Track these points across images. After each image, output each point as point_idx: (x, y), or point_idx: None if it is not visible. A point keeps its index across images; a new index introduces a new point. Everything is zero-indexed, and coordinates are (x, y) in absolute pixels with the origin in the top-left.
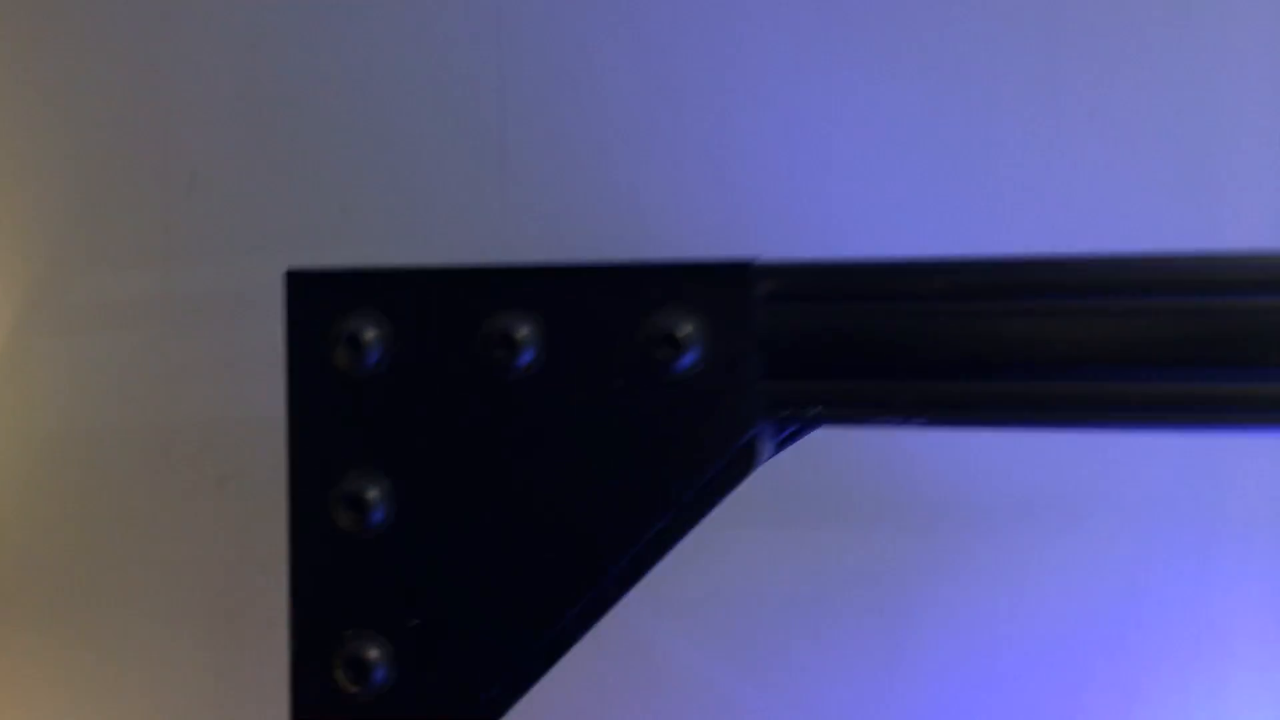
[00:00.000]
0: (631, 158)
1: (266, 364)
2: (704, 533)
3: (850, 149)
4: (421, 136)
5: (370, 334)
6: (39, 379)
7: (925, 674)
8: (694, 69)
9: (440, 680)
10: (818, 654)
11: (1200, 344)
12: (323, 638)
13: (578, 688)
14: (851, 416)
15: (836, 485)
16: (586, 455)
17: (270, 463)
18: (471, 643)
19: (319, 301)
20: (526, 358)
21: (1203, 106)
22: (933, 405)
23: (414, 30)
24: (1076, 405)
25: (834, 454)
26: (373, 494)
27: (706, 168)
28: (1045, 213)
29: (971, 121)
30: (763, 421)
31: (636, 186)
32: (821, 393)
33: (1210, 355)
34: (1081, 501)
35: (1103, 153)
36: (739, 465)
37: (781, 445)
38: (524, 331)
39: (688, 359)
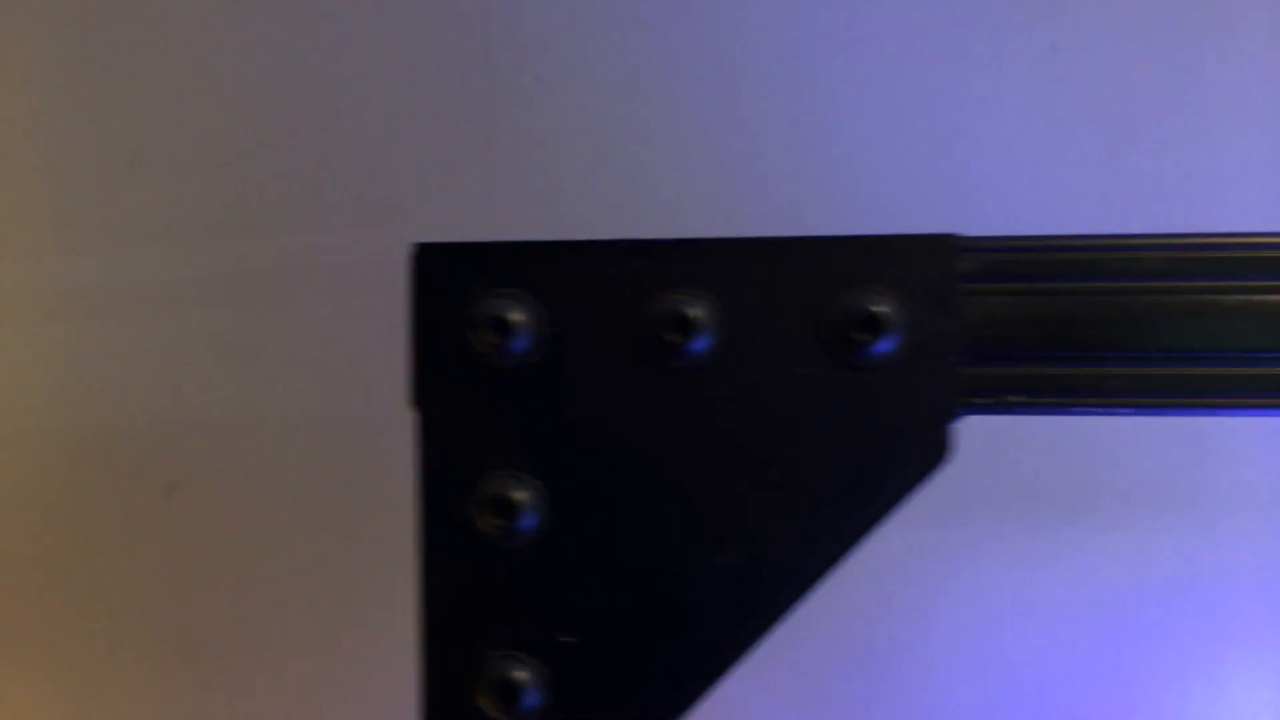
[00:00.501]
0: (623, 141)
1: (219, 359)
2: None
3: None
4: (396, 115)
5: (517, 316)
6: None
7: (934, 666)
8: (689, 50)
9: (599, 703)
10: (822, 649)
11: None
12: (462, 659)
13: None
14: (1057, 403)
15: None
16: (767, 451)
17: (224, 469)
18: (634, 662)
19: (456, 279)
20: (700, 342)
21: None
22: (1146, 390)
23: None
24: None
25: None
26: (521, 496)
27: (703, 150)
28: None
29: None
30: (963, 410)
31: (629, 169)
32: (1026, 378)
33: None
34: (1085, 490)
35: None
36: (933, 458)
37: None
38: (698, 312)
39: (887, 342)
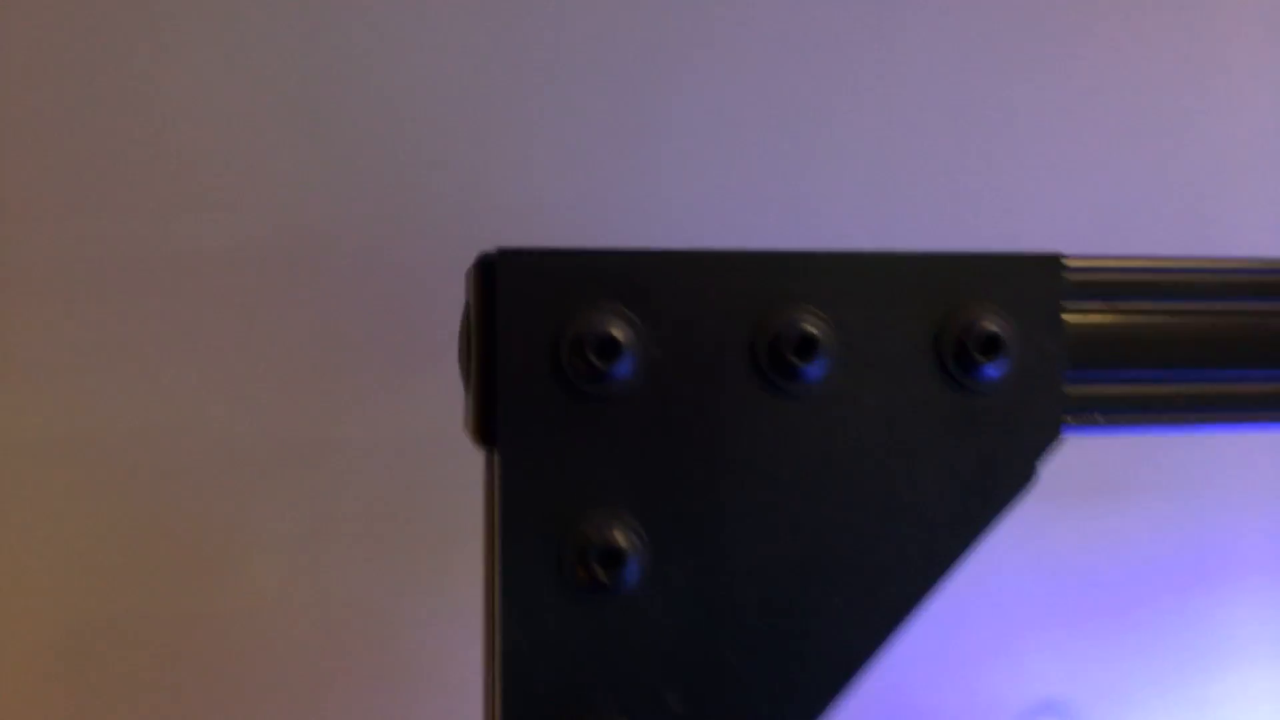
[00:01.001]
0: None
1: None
2: None
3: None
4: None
5: (622, 335)
6: None
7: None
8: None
9: None
10: None
11: None
12: None
13: None
14: (1159, 421)
15: None
16: (884, 478)
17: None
18: (747, 710)
19: (548, 293)
20: (820, 363)
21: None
22: (1250, 407)
23: None
24: None
25: None
26: (626, 540)
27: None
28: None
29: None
30: (1066, 429)
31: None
32: (1128, 396)
33: None
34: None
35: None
36: (1025, 480)
37: None
38: (820, 330)
39: (1000, 362)
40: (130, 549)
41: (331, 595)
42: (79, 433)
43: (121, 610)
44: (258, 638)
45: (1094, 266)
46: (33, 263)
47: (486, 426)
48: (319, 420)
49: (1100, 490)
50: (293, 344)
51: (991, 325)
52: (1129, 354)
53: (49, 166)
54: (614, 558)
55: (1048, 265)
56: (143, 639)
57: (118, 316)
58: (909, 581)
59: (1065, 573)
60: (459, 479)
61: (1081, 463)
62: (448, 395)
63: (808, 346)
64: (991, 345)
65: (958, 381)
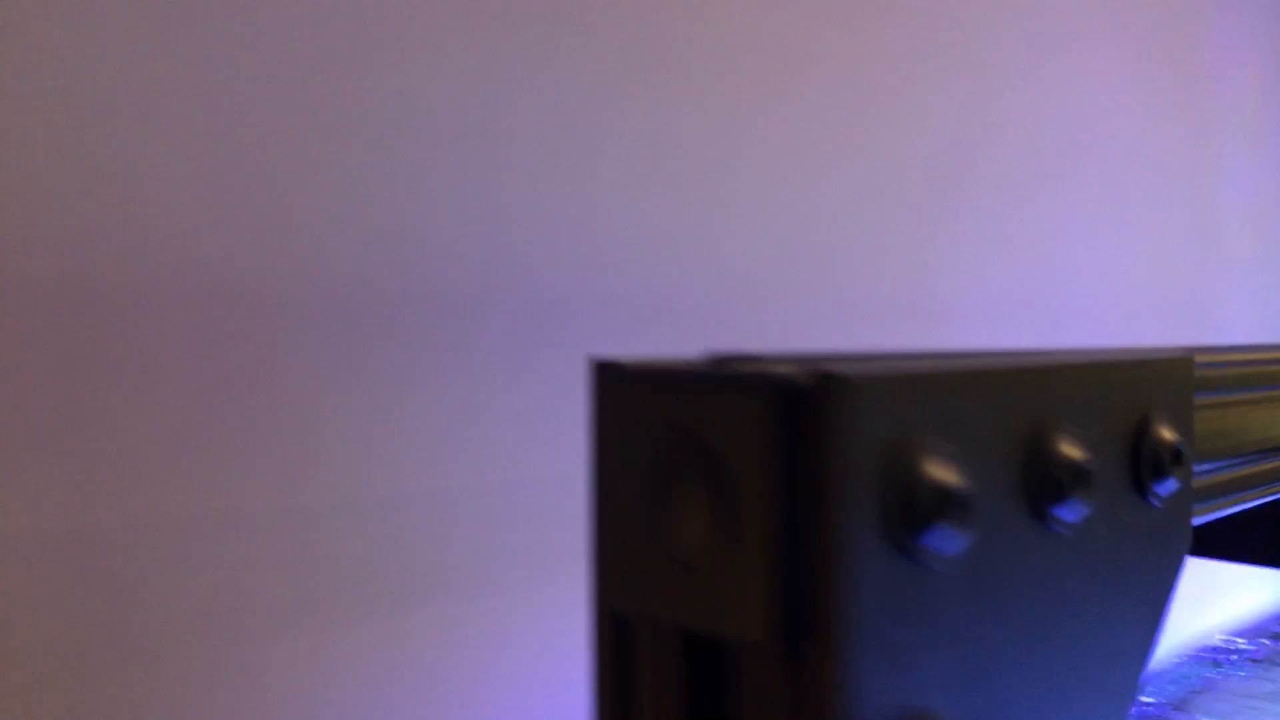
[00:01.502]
0: None
1: None
2: None
3: None
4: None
5: (961, 482)
6: None
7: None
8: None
9: None
10: None
11: None
12: None
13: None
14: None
15: None
16: (1107, 599)
17: None
18: None
19: (879, 428)
20: (1074, 509)
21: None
22: None
23: None
24: None
25: None
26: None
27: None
28: None
29: None
30: (1198, 520)
31: None
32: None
33: None
34: None
35: None
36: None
37: None
38: (1082, 456)
39: (1178, 471)
40: None
41: None
42: None
43: None
44: None
45: (1210, 362)
46: None
47: (796, 610)
48: None
49: None
50: None
51: (1171, 435)
52: (1232, 443)
53: None
54: None
55: (1185, 364)
56: None
57: None
58: (1123, 702)
59: None
60: None
61: None
62: None
63: (1074, 478)
64: (1176, 456)
65: (1148, 493)
